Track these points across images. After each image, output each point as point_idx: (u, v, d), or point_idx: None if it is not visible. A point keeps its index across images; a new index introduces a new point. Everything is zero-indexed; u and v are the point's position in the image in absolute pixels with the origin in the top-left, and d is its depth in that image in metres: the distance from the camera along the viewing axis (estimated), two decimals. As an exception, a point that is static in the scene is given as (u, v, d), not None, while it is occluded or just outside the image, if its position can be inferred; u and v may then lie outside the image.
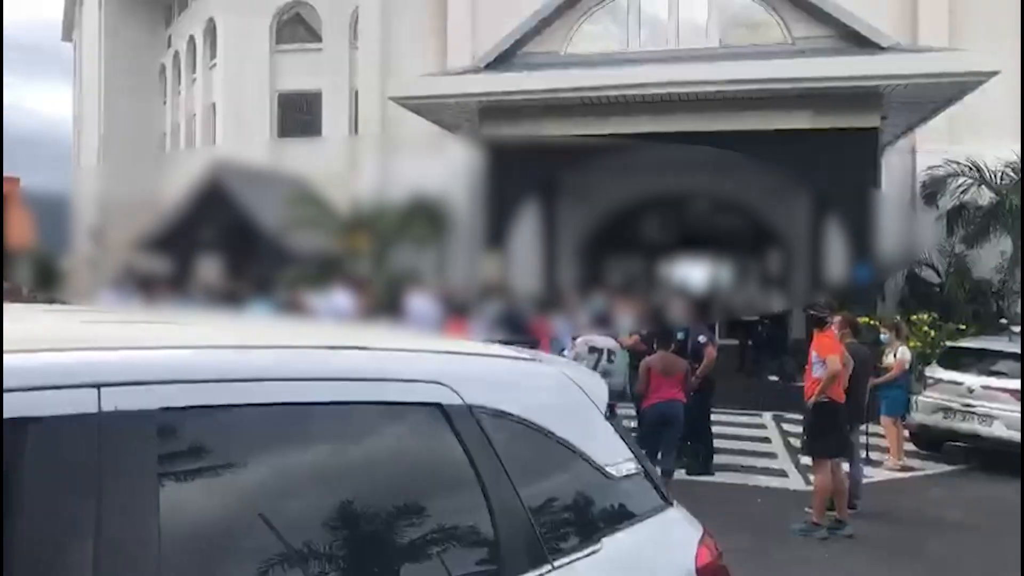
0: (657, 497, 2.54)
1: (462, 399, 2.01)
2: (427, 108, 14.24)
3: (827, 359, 6.82)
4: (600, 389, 2.58)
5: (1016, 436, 9.04)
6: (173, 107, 29.77)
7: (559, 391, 2.43)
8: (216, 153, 22.93)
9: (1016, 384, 9.26)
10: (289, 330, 2.70)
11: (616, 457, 2.41)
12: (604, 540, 2.22)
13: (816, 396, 6.86)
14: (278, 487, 1.70)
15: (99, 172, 32.38)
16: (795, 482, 8.78)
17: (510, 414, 2.14)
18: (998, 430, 9.25)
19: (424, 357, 2.19)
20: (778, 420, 11.88)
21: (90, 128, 31.88)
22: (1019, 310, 14.58)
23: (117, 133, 31.07)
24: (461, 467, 1.96)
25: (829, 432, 6.99)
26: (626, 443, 2.52)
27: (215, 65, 25.68)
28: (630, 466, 2.44)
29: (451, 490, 2.00)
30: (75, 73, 33.62)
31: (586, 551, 2.15)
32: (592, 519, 2.29)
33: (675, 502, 2.62)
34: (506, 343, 2.90)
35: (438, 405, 1.97)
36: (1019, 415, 9.05)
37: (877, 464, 9.45)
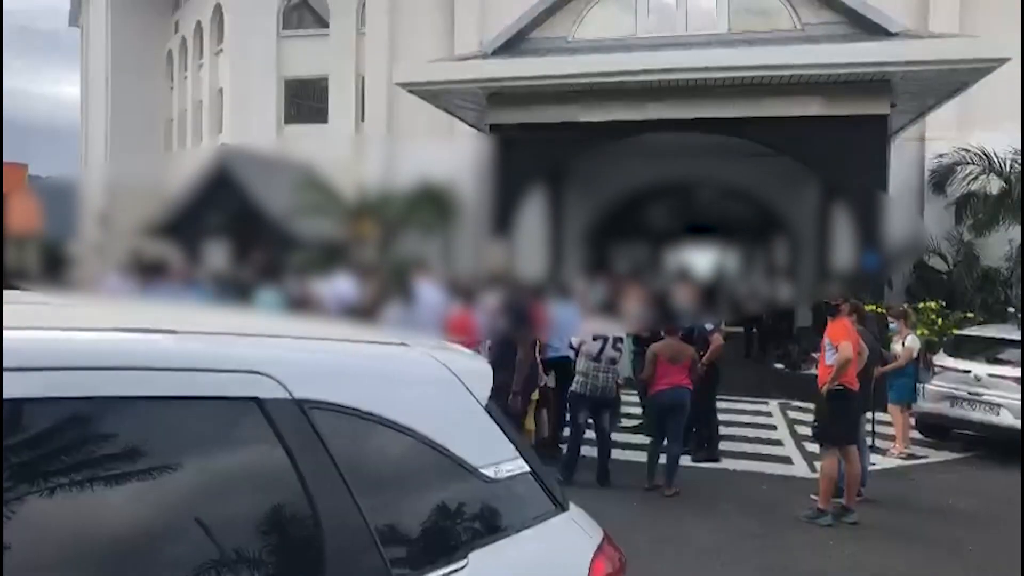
0: (547, 501, 2.22)
1: (289, 392, 1.70)
2: (434, 94, 14.20)
3: (839, 346, 6.80)
4: (482, 376, 2.26)
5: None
6: (180, 93, 29.77)
7: (425, 380, 2.11)
8: (223, 139, 22.95)
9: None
10: (101, 310, 2.27)
11: (496, 456, 2.10)
12: (472, 555, 1.91)
13: (829, 383, 6.85)
14: (61, 500, 1.40)
15: (106, 158, 32.45)
16: (800, 469, 8.79)
17: (354, 409, 1.82)
18: (1005, 418, 9.23)
19: (244, 342, 1.84)
20: (784, 407, 11.88)
21: (97, 114, 31.91)
22: (1025, 298, 14.56)
23: (124, 119, 31.08)
24: (282, 474, 1.65)
25: (841, 419, 6.99)
26: (511, 439, 2.21)
27: (222, 51, 25.64)
28: (514, 466, 2.13)
29: (271, 502, 1.66)
30: (82, 59, 33.62)
31: (447, 568, 1.84)
32: (458, 530, 1.97)
33: (571, 505, 2.34)
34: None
35: (255, 400, 1.66)
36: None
37: (883, 452, 9.45)
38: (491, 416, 2.18)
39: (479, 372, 2.29)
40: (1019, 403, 9.08)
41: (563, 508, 2.29)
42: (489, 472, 2.05)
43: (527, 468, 2.18)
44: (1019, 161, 14.47)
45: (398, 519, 1.84)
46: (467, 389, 2.14)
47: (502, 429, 2.20)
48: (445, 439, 1.98)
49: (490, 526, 2.04)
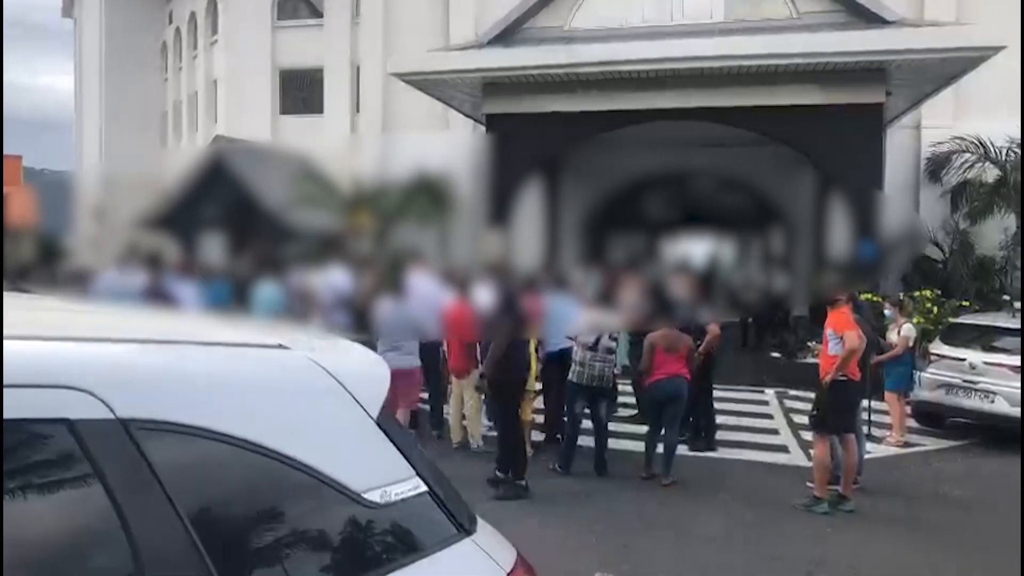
0: (449, 525, 1.94)
1: (111, 411, 1.41)
2: (429, 84, 14.16)
3: (845, 335, 6.81)
4: (374, 383, 1.98)
5: (1018, 412, 9.07)
6: (174, 84, 29.66)
7: (299, 390, 1.81)
8: (218, 130, 22.87)
9: (1017, 360, 9.28)
10: None
11: (386, 476, 1.82)
12: None
13: (834, 373, 6.87)
14: None
15: (101, 150, 32.33)
16: (797, 458, 8.83)
17: (200, 429, 1.52)
18: (1000, 406, 9.27)
19: (56, 351, 1.48)
20: (780, 396, 11.92)
21: (91, 106, 31.79)
22: (1021, 287, 14.60)
23: (118, 111, 30.96)
24: (99, 512, 1.36)
25: (842, 409, 7.03)
26: (408, 455, 1.92)
27: (216, 42, 25.55)
28: (407, 487, 1.85)
29: (85, 546, 1.38)
30: (75, 50, 33.44)
31: None
32: (326, 566, 1.67)
33: (482, 525, 2.09)
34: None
35: (65, 422, 1.36)
36: (1021, 391, 9.07)
37: (879, 440, 9.49)
38: (383, 430, 1.88)
39: (372, 378, 1.99)
40: (1014, 390, 9.12)
41: (468, 531, 1.98)
42: (374, 496, 1.76)
43: (424, 488, 1.90)
44: (1015, 149, 14.49)
45: (254, 563, 1.55)
46: (353, 399, 1.85)
47: (396, 444, 1.90)
48: (319, 460, 1.69)
49: (372, 559, 1.75)
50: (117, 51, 30.32)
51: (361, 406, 1.86)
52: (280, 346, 1.88)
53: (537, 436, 9.04)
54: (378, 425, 1.87)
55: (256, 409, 1.68)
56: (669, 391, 7.71)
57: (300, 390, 1.81)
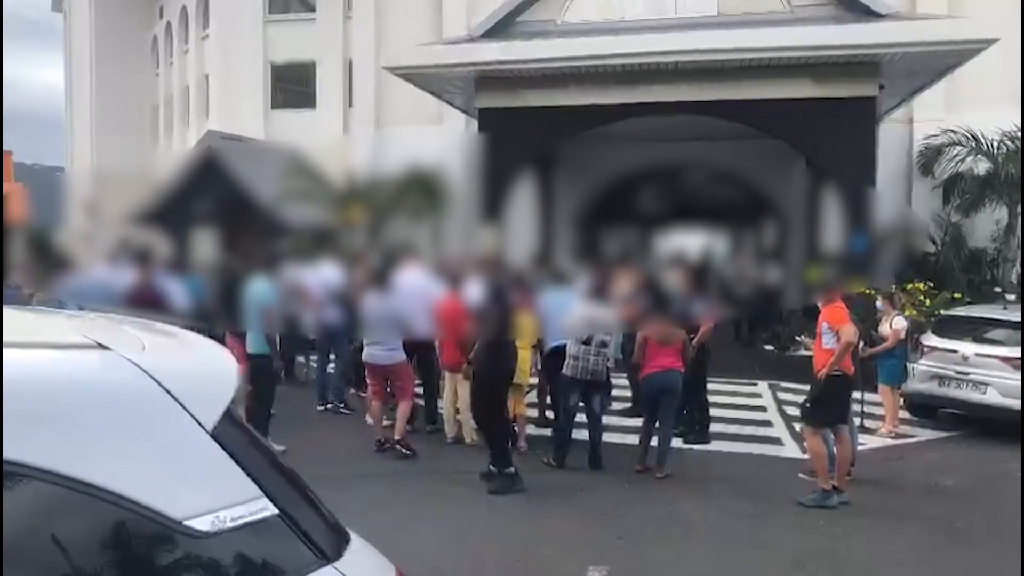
0: (304, 552, 1.67)
1: None
2: (422, 78, 14.13)
3: (841, 330, 6.84)
4: (217, 387, 1.71)
5: (1010, 403, 9.13)
6: (165, 79, 29.54)
7: (104, 401, 1.52)
8: (210, 125, 22.77)
9: (1009, 352, 9.33)
10: None
11: (220, 499, 1.55)
12: None
13: (829, 368, 6.89)
14: None
15: (92, 145, 32.16)
16: (791, 450, 8.86)
17: None
18: (992, 397, 9.32)
19: None
20: (774, 389, 11.96)
21: (81, 101, 31.64)
22: (1013, 279, 14.65)
23: (109, 105, 30.81)
24: None
25: (836, 402, 7.06)
26: (252, 472, 1.64)
27: (207, 36, 25.43)
28: (248, 510, 1.58)
29: None
30: (65, 44, 33.26)
31: None
32: None
33: (353, 547, 1.88)
34: None
35: None
36: (1013, 382, 9.12)
37: (872, 432, 9.54)
38: (221, 442, 1.60)
39: (213, 382, 1.71)
40: (1006, 381, 9.17)
41: (328, 558, 1.72)
42: (201, 524, 1.49)
43: (272, 511, 1.62)
44: (1006, 142, 14.54)
45: None
46: (182, 408, 1.57)
47: (238, 459, 1.62)
48: (127, 484, 1.43)
49: None
50: (107, 46, 30.17)
51: (192, 416, 1.58)
52: (99, 346, 1.62)
53: (532, 430, 9.05)
54: (215, 438, 1.59)
55: (49, 427, 1.40)
56: (663, 384, 7.73)
57: (110, 400, 1.52)
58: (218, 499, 1.56)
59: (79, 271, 6.88)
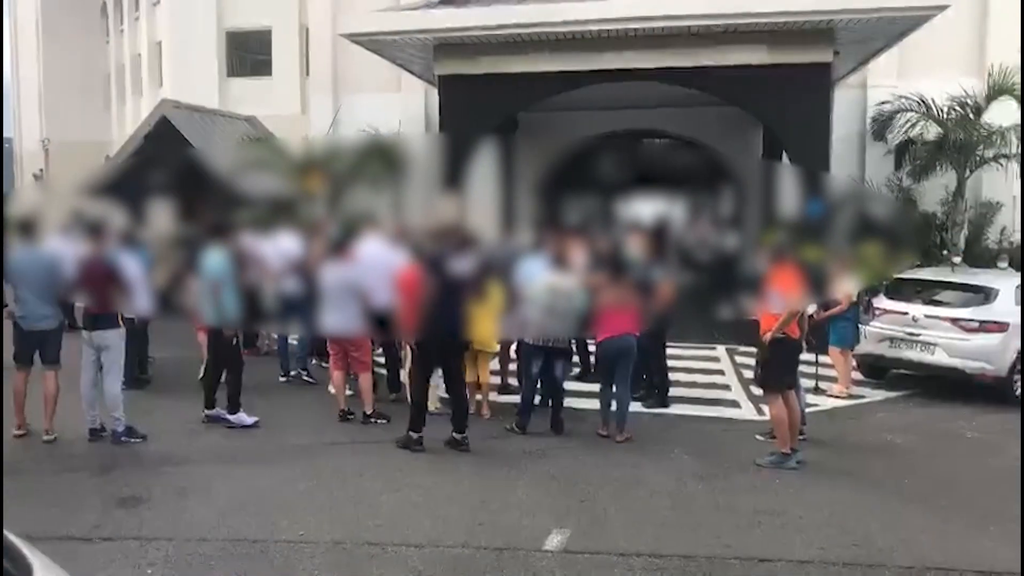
0: None
1: None
2: (380, 45, 13.94)
3: (783, 297, 6.95)
4: None
5: (957, 362, 9.43)
6: (116, 46, 28.78)
7: None
8: (163, 94, 22.29)
9: (956, 313, 9.62)
10: None
11: None
12: None
13: (774, 332, 7.02)
14: None
15: (40, 115, 31.25)
16: (748, 412, 9.06)
17: None
18: (940, 357, 9.61)
19: None
20: (731, 353, 12.17)
21: (28, 70, 30.72)
22: (961, 243, 15.02)
23: (58, 74, 29.96)
24: None
25: (784, 366, 7.19)
26: None
27: (158, 2, 24.79)
28: None
29: None
30: (9, 12, 32.18)
31: None
32: None
33: None
34: None
35: None
36: (960, 343, 9.42)
37: (824, 392, 9.79)
38: None
39: None
40: (953, 342, 9.46)
41: None
42: None
43: None
44: (956, 108, 14.81)
45: None
46: None
47: None
48: None
49: None
50: (53, 12, 29.26)
51: None
52: None
53: (494, 397, 9.14)
54: None
55: None
56: (619, 348, 7.83)
57: None
58: None
59: (28, 245, 6.76)
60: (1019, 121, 13.94)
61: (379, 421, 8.31)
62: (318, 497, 6.26)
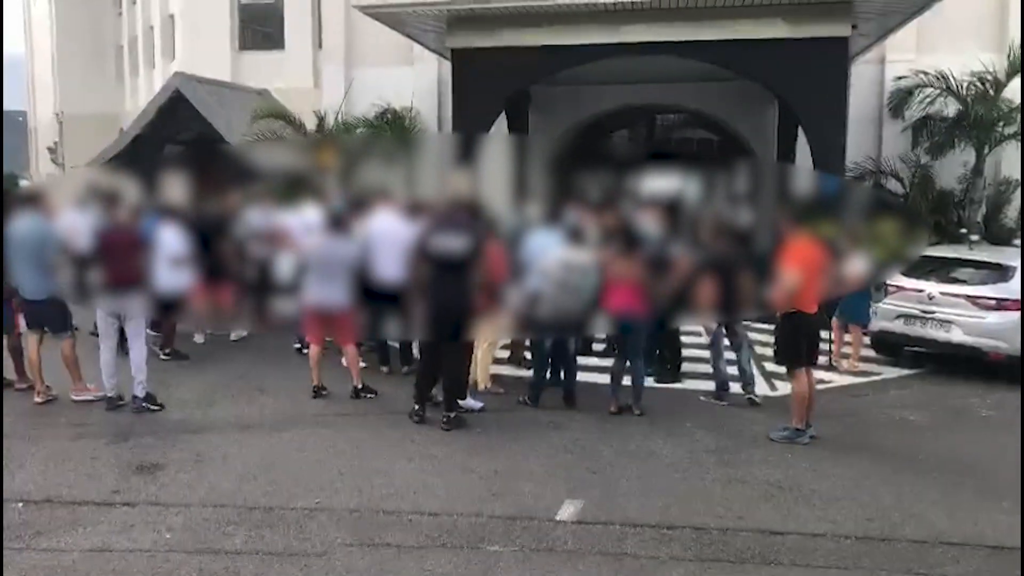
0: None
1: None
2: (393, 18, 13.86)
3: (784, 273, 6.86)
4: None
5: (973, 340, 9.38)
6: (130, 19, 28.71)
7: None
8: (175, 67, 22.25)
9: (973, 291, 9.55)
10: None
11: None
12: None
13: (782, 308, 6.97)
14: None
15: (55, 88, 31.26)
16: (760, 387, 9.05)
17: None
18: (956, 335, 9.55)
19: None
20: (745, 328, 12.09)
21: (42, 42, 30.71)
22: (979, 220, 14.88)
23: (71, 46, 29.94)
24: None
25: (800, 341, 7.14)
26: None
27: (170, -26, 24.69)
28: None
29: None
30: (22, -17, 32.17)
31: None
32: None
33: None
34: None
35: None
36: (976, 320, 9.37)
37: (836, 367, 9.78)
38: None
39: None
40: (969, 320, 9.41)
41: None
42: None
43: None
44: (976, 83, 14.61)
45: None
46: None
47: None
48: None
49: None
50: (66, -16, 29.18)
51: None
52: None
53: (507, 371, 9.18)
54: None
55: None
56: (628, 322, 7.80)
57: None
58: None
59: (47, 217, 6.80)
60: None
61: (368, 396, 8.34)
62: (334, 466, 6.33)
